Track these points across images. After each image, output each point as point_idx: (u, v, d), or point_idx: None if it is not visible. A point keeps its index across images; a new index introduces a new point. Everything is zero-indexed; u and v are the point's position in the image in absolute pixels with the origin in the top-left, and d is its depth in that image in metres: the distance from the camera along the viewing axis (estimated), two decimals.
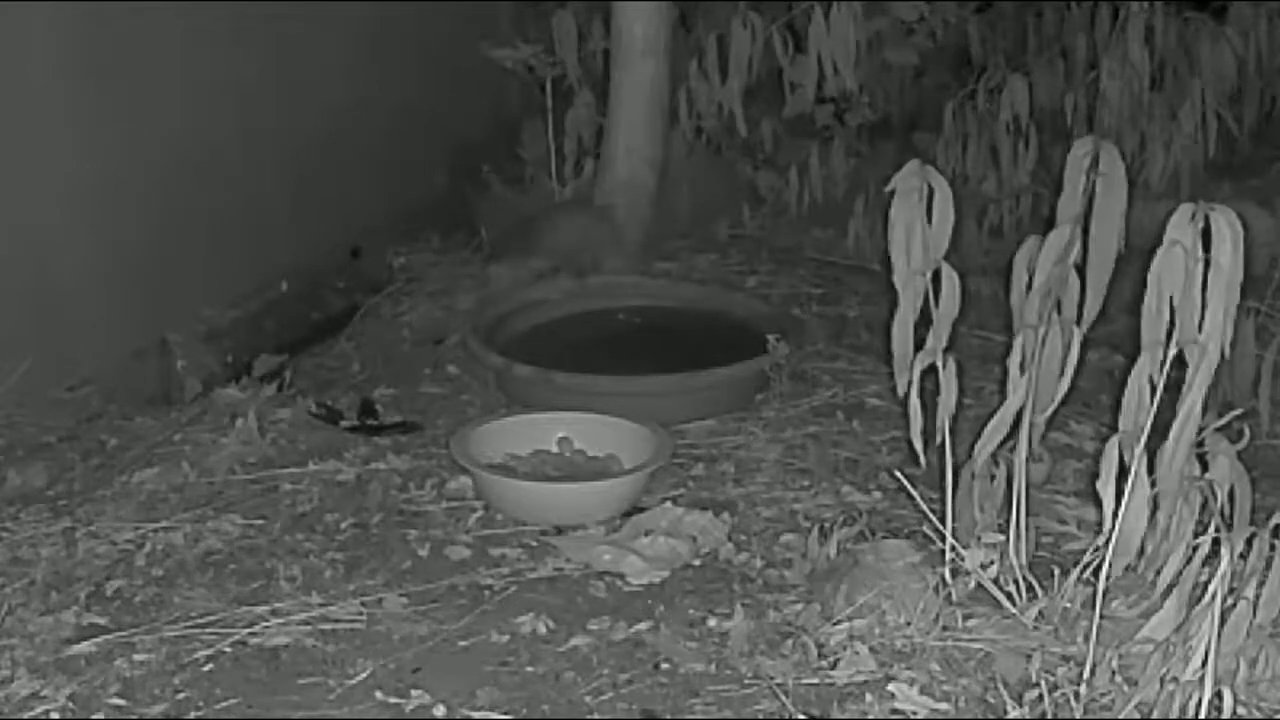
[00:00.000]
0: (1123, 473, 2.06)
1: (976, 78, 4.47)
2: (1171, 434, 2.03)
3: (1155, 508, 2.08)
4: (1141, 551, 2.14)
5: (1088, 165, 2.16)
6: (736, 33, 4.16)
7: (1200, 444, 2.07)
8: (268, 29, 3.55)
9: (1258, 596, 1.98)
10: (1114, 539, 2.06)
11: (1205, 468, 2.10)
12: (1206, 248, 1.95)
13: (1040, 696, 2.06)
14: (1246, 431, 2.13)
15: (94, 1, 2.99)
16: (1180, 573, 2.07)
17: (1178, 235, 1.95)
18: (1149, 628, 2.07)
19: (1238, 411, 2.16)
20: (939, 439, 2.32)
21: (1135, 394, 2.04)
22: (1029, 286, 2.22)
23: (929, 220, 2.22)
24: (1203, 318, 1.96)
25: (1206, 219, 1.94)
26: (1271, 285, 3.38)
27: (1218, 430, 2.08)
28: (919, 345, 2.26)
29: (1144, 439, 2.04)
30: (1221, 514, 2.04)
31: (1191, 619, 1.93)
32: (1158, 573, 2.13)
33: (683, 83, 4.24)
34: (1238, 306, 1.97)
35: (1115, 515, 2.04)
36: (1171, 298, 1.98)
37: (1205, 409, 2.04)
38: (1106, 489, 2.04)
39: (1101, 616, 2.09)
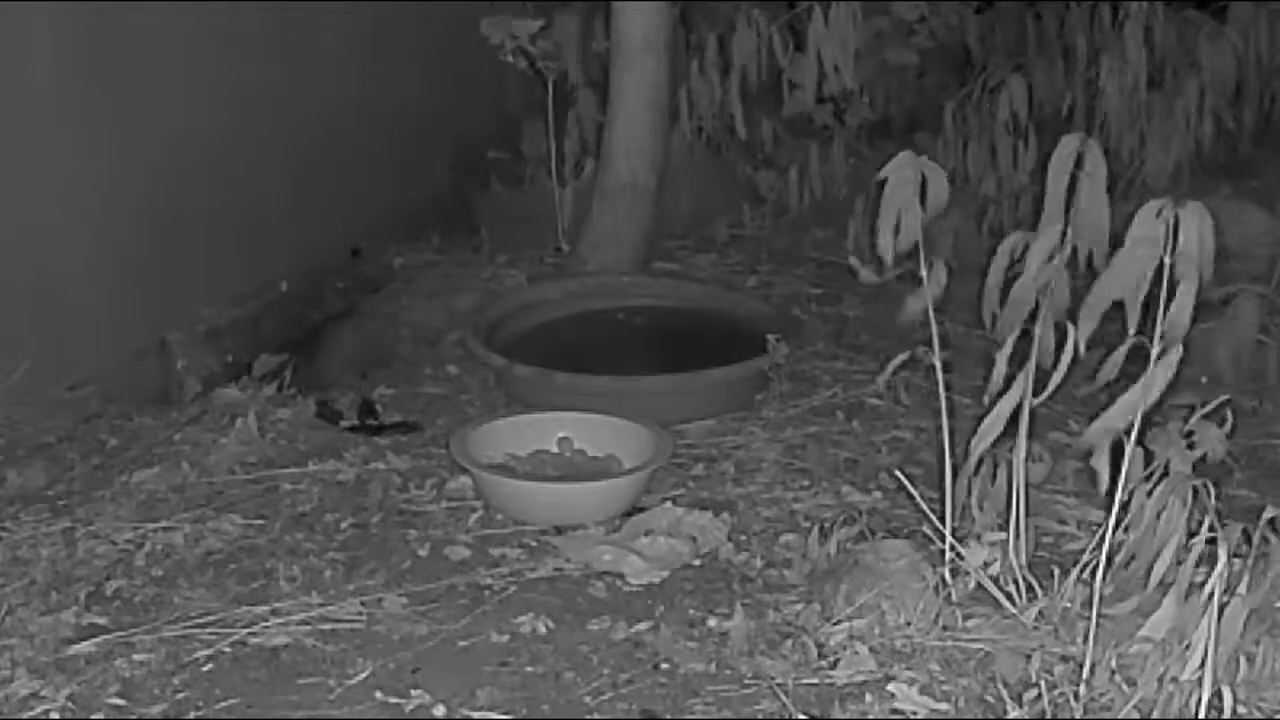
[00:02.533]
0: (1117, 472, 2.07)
1: (976, 78, 4.48)
2: (1119, 403, 2.04)
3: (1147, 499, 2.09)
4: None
5: (1072, 164, 2.17)
6: (738, 32, 4.16)
7: (1189, 433, 2.08)
8: (267, 29, 3.54)
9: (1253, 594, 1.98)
10: (1111, 529, 2.07)
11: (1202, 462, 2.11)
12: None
13: (1040, 696, 2.06)
14: (1229, 416, 2.13)
15: (94, 1, 2.99)
16: (1175, 570, 2.07)
17: (1143, 231, 1.98)
18: (1147, 627, 2.07)
19: (1224, 398, 2.17)
20: (940, 436, 2.33)
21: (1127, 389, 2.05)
22: (1010, 282, 2.22)
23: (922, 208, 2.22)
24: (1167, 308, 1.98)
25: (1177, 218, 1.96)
26: (1271, 285, 3.38)
27: (1204, 418, 2.10)
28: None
29: (1136, 431, 2.05)
30: (1218, 513, 2.04)
31: (1189, 618, 1.93)
32: (1151, 567, 2.13)
33: (683, 83, 4.24)
34: (1249, 293, 1.99)
35: (1113, 491, 2.05)
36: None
37: (1205, 402, 2.06)
38: (1100, 463, 2.05)
39: (1100, 616, 2.10)
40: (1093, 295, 2.04)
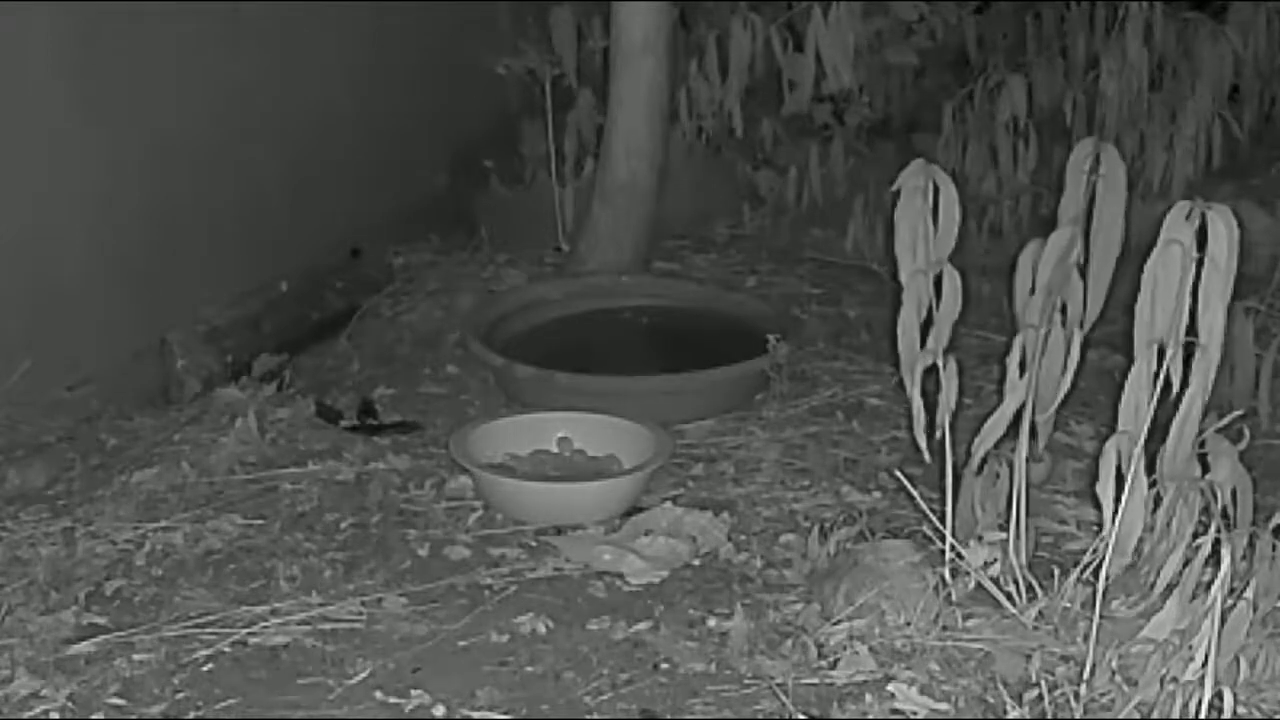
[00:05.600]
0: (1122, 473, 2.06)
1: (976, 78, 4.47)
2: (1172, 432, 2.03)
3: (1155, 507, 2.08)
4: (1139, 551, 2.14)
5: (1089, 167, 2.16)
6: (736, 32, 4.16)
7: (1201, 445, 2.07)
8: (268, 29, 3.54)
9: (1258, 596, 1.98)
10: (1113, 539, 2.06)
11: (1206, 468, 2.10)
12: (1202, 247, 1.95)
13: (1040, 696, 2.06)
14: (1246, 432, 2.13)
15: (94, 1, 2.99)
16: (1180, 573, 2.07)
17: (1174, 234, 1.95)
18: (1149, 628, 2.07)
19: (1239, 413, 2.16)
20: (939, 437, 2.32)
21: (1134, 394, 2.04)
22: (1032, 288, 2.22)
23: (934, 219, 2.22)
24: (1196, 316, 1.97)
25: (1203, 217, 1.94)
26: (1271, 285, 3.38)
27: (1218, 431, 2.09)
28: (921, 345, 2.27)
29: (1143, 438, 2.04)
30: (1224, 514, 2.04)
31: (1192, 619, 1.93)
32: (1158, 573, 2.13)
33: (683, 83, 4.23)
34: (1239, 307, 1.97)
35: (1115, 516, 2.05)
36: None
37: (1206, 409, 2.04)
38: (1106, 490, 2.04)
39: (1101, 616, 2.10)
40: (1140, 309, 2.01)
